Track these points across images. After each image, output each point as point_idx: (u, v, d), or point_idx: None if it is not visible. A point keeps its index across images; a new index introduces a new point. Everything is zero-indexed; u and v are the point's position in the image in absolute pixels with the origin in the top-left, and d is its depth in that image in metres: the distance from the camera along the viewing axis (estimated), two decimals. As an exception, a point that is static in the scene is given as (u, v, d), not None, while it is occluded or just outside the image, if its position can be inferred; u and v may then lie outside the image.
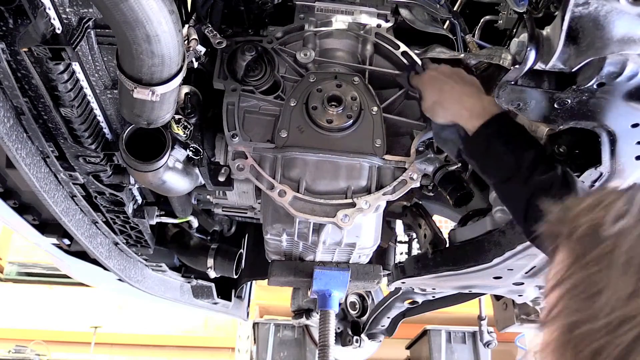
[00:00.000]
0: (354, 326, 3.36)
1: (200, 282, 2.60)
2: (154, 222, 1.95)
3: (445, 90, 1.42)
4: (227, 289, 2.78)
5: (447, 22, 1.72)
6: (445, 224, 3.07)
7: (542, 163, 1.26)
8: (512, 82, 1.23)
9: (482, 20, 1.73)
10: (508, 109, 1.26)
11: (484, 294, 2.47)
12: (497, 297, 2.89)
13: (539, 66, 1.15)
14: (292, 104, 1.54)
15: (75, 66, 1.22)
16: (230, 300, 2.82)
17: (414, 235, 2.46)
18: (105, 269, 2.15)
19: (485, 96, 1.38)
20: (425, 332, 5.44)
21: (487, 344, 3.50)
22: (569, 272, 0.73)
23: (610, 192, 0.79)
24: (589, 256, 0.71)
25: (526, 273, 1.82)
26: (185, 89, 1.53)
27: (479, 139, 1.33)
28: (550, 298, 0.75)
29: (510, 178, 1.29)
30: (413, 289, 2.35)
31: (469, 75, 1.46)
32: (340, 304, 1.74)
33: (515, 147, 1.30)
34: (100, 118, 1.44)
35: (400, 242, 2.66)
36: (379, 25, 1.68)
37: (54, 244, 2.04)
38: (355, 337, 3.31)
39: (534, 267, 1.77)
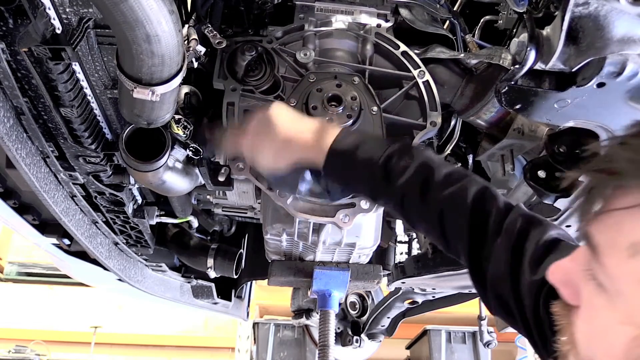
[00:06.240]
0: (354, 326, 3.37)
1: (200, 282, 2.60)
2: (154, 222, 1.96)
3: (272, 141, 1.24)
4: (227, 289, 2.79)
5: (447, 22, 1.72)
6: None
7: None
8: (512, 82, 1.23)
9: (482, 20, 1.73)
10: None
11: (484, 294, 2.47)
12: (497, 297, 2.89)
13: (539, 66, 1.15)
14: (292, 104, 1.53)
15: (75, 66, 1.22)
16: (230, 300, 2.82)
17: (414, 235, 2.47)
18: (105, 269, 2.15)
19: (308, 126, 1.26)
20: (425, 332, 5.45)
21: (487, 344, 3.49)
22: None
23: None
24: None
25: (526, 273, 1.82)
26: (185, 89, 1.53)
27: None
28: None
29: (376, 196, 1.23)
30: (413, 289, 2.35)
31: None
32: (340, 304, 1.73)
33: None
34: (100, 118, 1.44)
35: (400, 242, 2.66)
36: (378, 25, 1.68)
37: (54, 244, 2.04)
38: (355, 337, 3.31)
39: (534, 267, 1.76)
